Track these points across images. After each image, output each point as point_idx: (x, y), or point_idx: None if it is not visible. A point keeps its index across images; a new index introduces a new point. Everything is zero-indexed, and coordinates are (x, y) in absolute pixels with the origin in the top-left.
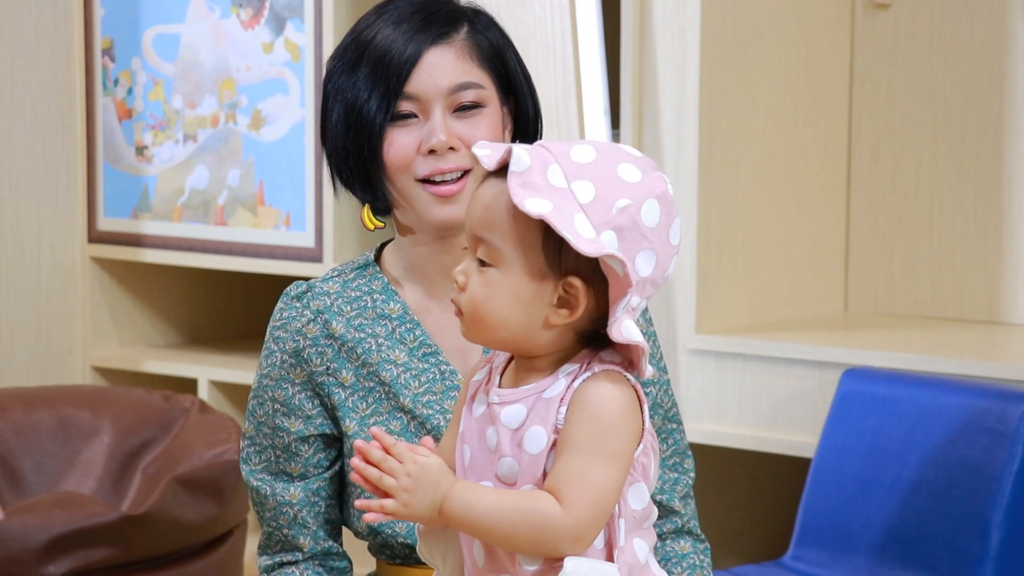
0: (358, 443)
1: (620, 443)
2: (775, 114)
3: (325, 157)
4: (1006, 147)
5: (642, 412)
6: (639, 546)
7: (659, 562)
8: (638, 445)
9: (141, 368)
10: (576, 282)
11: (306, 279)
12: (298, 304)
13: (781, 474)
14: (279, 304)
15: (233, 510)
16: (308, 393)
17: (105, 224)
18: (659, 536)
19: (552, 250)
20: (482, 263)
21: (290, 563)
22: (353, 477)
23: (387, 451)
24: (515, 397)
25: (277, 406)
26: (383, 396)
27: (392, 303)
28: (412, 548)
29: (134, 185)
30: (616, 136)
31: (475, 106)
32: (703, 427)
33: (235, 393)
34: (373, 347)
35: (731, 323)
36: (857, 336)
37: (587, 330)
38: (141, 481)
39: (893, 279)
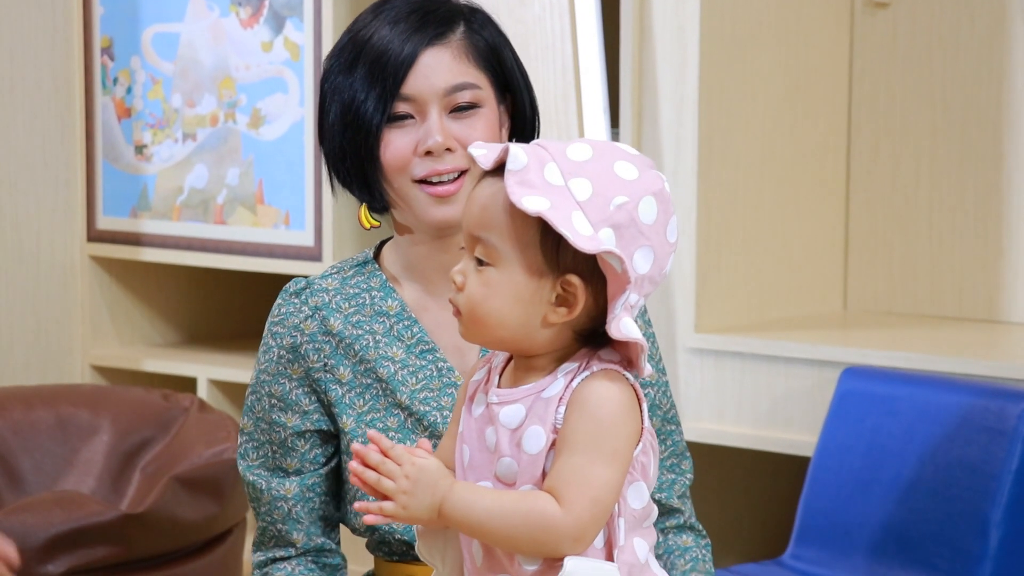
0: (356, 446)
1: (619, 442)
2: (774, 113)
3: (323, 157)
4: (1005, 146)
5: (641, 411)
6: (639, 545)
7: (662, 555)
8: (637, 444)
9: (140, 367)
10: (574, 280)
11: (305, 278)
12: (296, 300)
13: (780, 473)
14: (278, 300)
15: (232, 509)
16: (305, 389)
17: (104, 223)
18: (661, 531)
19: (550, 248)
20: (480, 262)
21: (282, 558)
22: (352, 480)
23: (385, 454)
24: (514, 397)
25: (274, 401)
26: (380, 393)
27: (390, 300)
28: (410, 545)
29: (133, 184)
30: (616, 135)
31: (471, 106)
32: (702, 426)
33: (234, 392)
34: (371, 344)
35: (730, 322)
36: (856, 335)
37: (586, 328)
38: (140, 480)
39: (892, 278)
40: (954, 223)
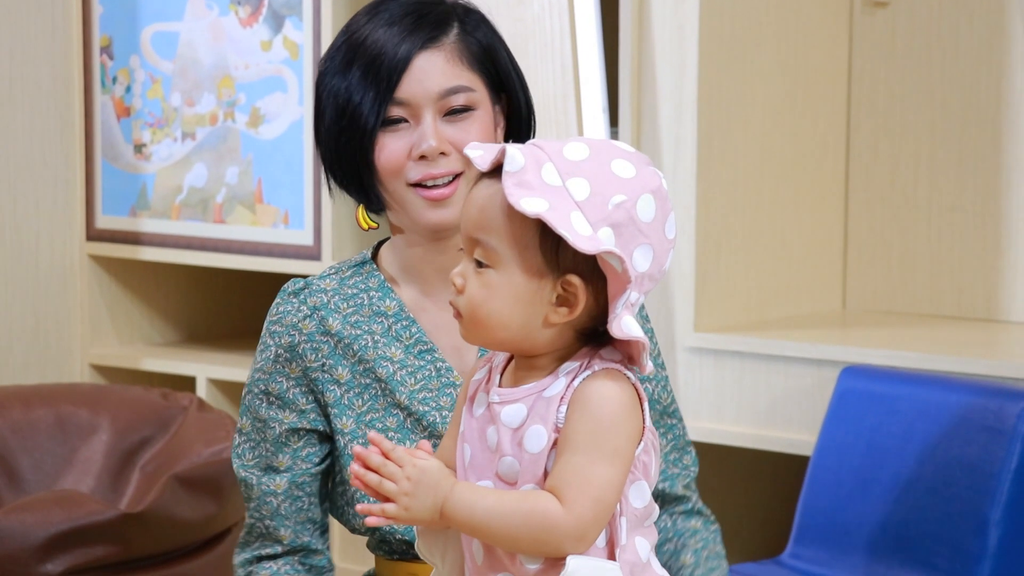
0: (357, 449)
1: (620, 441)
2: (773, 112)
3: (320, 158)
4: (1004, 145)
5: (642, 410)
6: (641, 544)
7: (671, 538)
8: (639, 443)
9: (139, 366)
10: (575, 280)
11: (304, 277)
12: (295, 300)
13: (779, 472)
14: (276, 300)
15: (231, 508)
16: (302, 388)
17: (103, 222)
18: (669, 516)
19: (549, 249)
20: (479, 264)
21: (269, 556)
22: (353, 483)
23: (386, 456)
24: (515, 396)
25: (271, 399)
26: (379, 393)
27: (388, 300)
28: (410, 544)
29: (132, 183)
30: (615, 134)
31: (465, 109)
32: (701, 425)
33: (233, 391)
34: (369, 344)
35: (729, 321)
36: (855, 334)
37: (586, 327)
38: (139, 479)
39: (891, 277)
40: (953, 222)
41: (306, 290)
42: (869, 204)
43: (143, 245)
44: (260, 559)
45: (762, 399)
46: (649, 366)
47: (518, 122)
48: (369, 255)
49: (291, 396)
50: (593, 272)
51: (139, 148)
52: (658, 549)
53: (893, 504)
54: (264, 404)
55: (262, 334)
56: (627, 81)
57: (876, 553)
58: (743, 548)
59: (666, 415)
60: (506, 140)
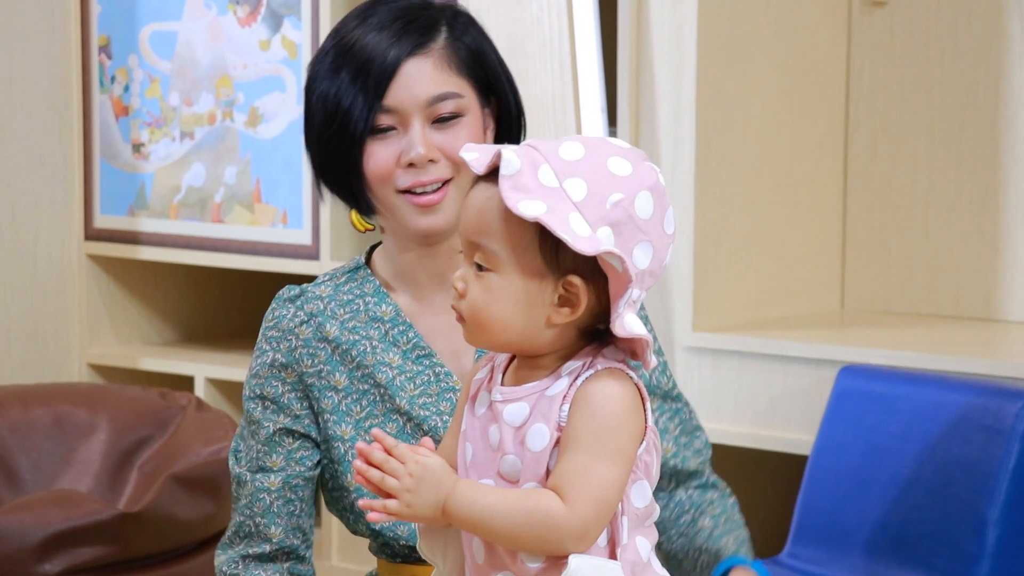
0: (359, 445)
1: (623, 441)
2: (772, 112)
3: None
4: (1002, 145)
5: (644, 410)
6: (641, 544)
7: (688, 510)
8: (641, 443)
9: (138, 366)
10: (576, 280)
11: (303, 277)
12: (291, 306)
13: (778, 472)
14: (272, 305)
15: (230, 508)
16: (297, 394)
17: (102, 221)
18: (684, 490)
19: (549, 250)
20: (480, 268)
21: (257, 557)
22: (355, 479)
23: (389, 452)
24: (518, 395)
25: (266, 402)
26: (378, 399)
27: (384, 305)
28: (413, 548)
29: (131, 182)
30: (613, 134)
31: (454, 116)
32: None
33: (232, 391)
34: (368, 349)
35: (728, 321)
36: (854, 333)
37: (589, 326)
38: (137, 479)
39: (890, 276)
40: (951, 222)
41: (302, 297)
42: (867, 204)
43: (141, 245)
44: (247, 558)
45: (760, 399)
46: (653, 361)
47: (508, 123)
48: (363, 260)
49: (286, 401)
50: (594, 271)
51: (137, 147)
52: (675, 521)
53: (892, 504)
54: (259, 407)
55: (258, 340)
56: (625, 81)
57: (874, 552)
58: None
59: (669, 399)
60: (496, 142)
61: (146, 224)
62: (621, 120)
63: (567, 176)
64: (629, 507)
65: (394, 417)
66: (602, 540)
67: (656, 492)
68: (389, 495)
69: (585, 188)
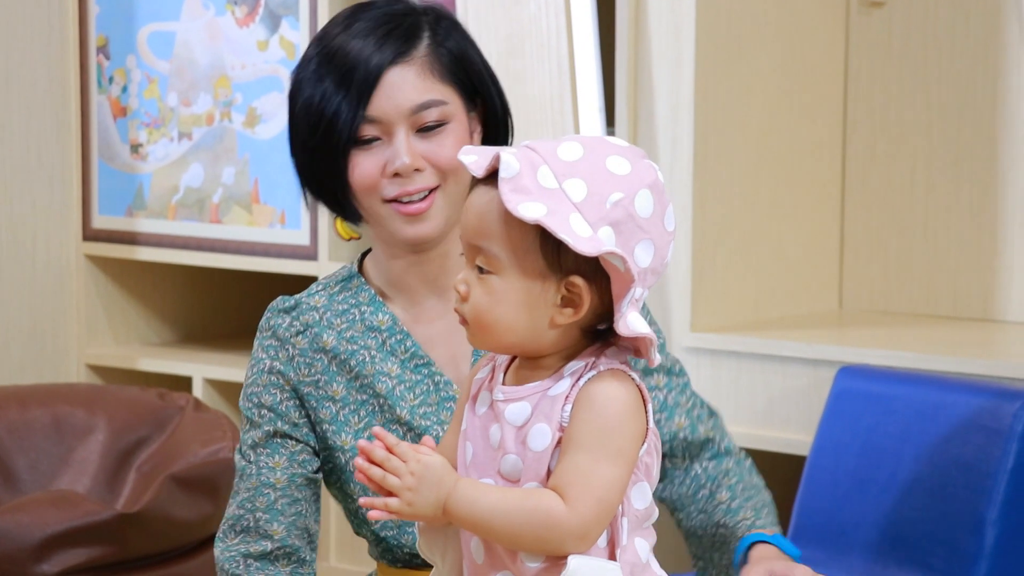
0: (361, 443)
1: (625, 441)
2: (770, 112)
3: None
4: (1000, 145)
5: (646, 411)
6: (640, 546)
7: (705, 484)
8: (642, 444)
9: (136, 366)
10: (578, 281)
11: (301, 277)
12: (287, 316)
13: (776, 472)
14: (266, 315)
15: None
16: (295, 402)
17: (100, 222)
18: (699, 463)
19: (551, 252)
20: (481, 270)
21: (258, 556)
22: (357, 476)
23: (390, 450)
24: (520, 394)
25: (264, 411)
26: (377, 408)
27: (380, 315)
28: (415, 555)
29: (129, 183)
30: (611, 134)
31: (439, 124)
32: None
33: (230, 391)
34: (367, 359)
35: (726, 321)
36: (852, 334)
37: (592, 326)
38: (136, 479)
39: (888, 277)
40: (949, 222)
41: (297, 308)
42: (866, 204)
43: (139, 245)
44: (248, 557)
45: (759, 399)
46: (657, 359)
47: (495, 126)
48: (355, 269)
49: (284, 408)
50: (596, 271)
51: (135, 148)
52: (693, 497)
53: (890, 504)
54: (257, 415)
55: (254, 349)
56: (623, 81)
57: (873, 553)
58: None
59: (674, 375)
60: (484, 145)
61: (144, 224)
62: (619, 120)
63: (566, 177)
64: (629, 508)
65: (394, 427)
66: (602, 541)
67: (671, 471)
68: (391, 493)
69: (585, 188)
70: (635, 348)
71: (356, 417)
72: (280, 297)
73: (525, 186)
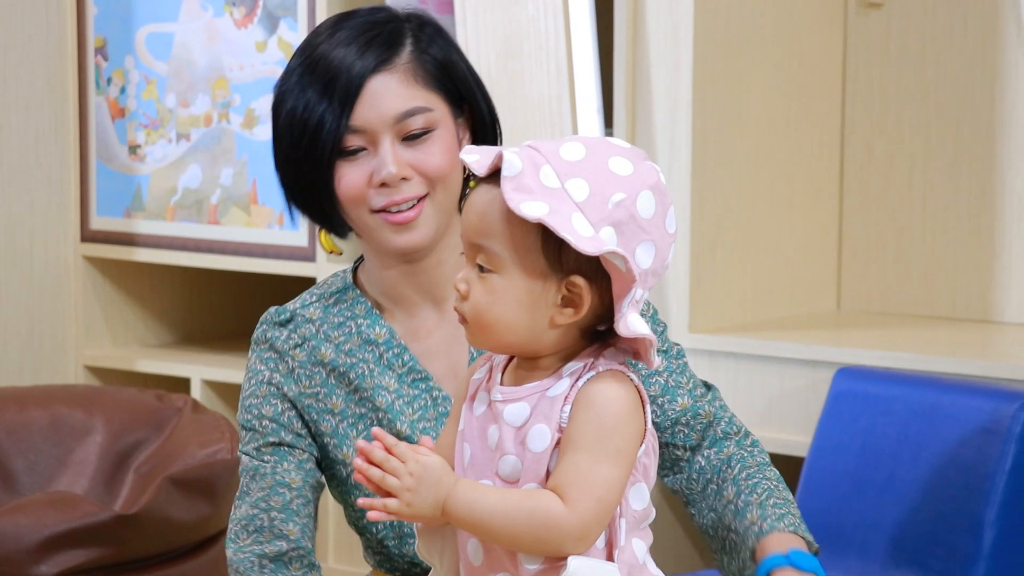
0: (360, 443)
1: (624, 442)
2: (768, 113)
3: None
4: (998, 146)
5: (644, 412)
6: (638, 546)
7: (712, 478)
8: (640, 445)
9: (134, 367)
10: (579, 280)
11: (299, 278)
12: (284, 329)
13: None
14: (262, 327)
15: (226, 510)
16: (295, 412)
17: (98, 223)
18: (701, 455)
19: (552, 251)
20: (482, 269)
21: (273, 557)
22: (356, 477)
23: (389, 451)
24: (518, 395)
25: (265, 421)
26: (375, 422)
27: (378, 328)
28: (415, 563)
29: (127, 184)
30: (610, 135)
31: (425, 132)
32: None
33: (228, 392)
34: (365, 372)
35: (724, 322)
36: (850, 335)
37: (591, 326)
38: (134, 480)
39: (886, 278)
40: (947, 223)
41: (293, 321)
42: (864, 205)
43: (138, 246)
44: (263, 559)
45: (757, 400)
46: (656, 361)
47: (483, 131)
48: (350, 280)
49: (286, 419)
50: (597, 272)
51: (134, 149)
52: (703, 492)
53: (888, 505)
54: (259, 425)
55: (250, 361)
56: (622, 82)
57: (871, 554)
58: None
59: (671, 358)
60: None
61: (142, 226)
62: (617, 121)
63: (569, 176)
64: (627, 509)
65: None
66: (600, 542)
67: (678, 463)
68: (389, 494)
69: (587, 188)
70: (634, 350)
71: (354, 431)
72: (272, 309)
73: (527, 185)
